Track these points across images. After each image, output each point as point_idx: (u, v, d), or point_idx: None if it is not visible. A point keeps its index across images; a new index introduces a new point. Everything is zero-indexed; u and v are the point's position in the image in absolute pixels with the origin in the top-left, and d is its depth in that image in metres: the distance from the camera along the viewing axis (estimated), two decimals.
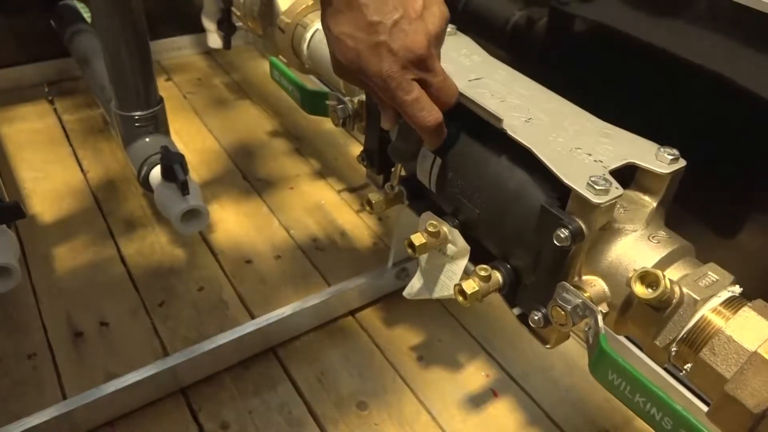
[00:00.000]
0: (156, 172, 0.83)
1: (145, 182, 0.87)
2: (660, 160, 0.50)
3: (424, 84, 0.50)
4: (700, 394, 0.75)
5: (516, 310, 0.57)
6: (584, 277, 0.50)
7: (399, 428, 0.77)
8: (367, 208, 0.69)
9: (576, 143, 0.51)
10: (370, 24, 0.47)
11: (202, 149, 1.23)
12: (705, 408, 0.45)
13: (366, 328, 0.89)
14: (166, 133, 0.91)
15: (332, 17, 0.49)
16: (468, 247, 0.59)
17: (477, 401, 0.81)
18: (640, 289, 0.44)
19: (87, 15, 1.24)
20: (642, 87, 0.73)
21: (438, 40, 0.50)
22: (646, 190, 0.51)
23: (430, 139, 0.53)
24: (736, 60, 0.63)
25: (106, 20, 0.80)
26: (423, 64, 0.49)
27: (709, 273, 0.46)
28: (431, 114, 0.51)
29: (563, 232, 0.46)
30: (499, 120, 0.53)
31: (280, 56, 0.97)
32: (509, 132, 0.52)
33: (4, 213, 0.70)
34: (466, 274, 0.57)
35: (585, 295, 0.48)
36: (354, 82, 0.53)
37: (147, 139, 0.88)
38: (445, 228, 0.59)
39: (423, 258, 0.64)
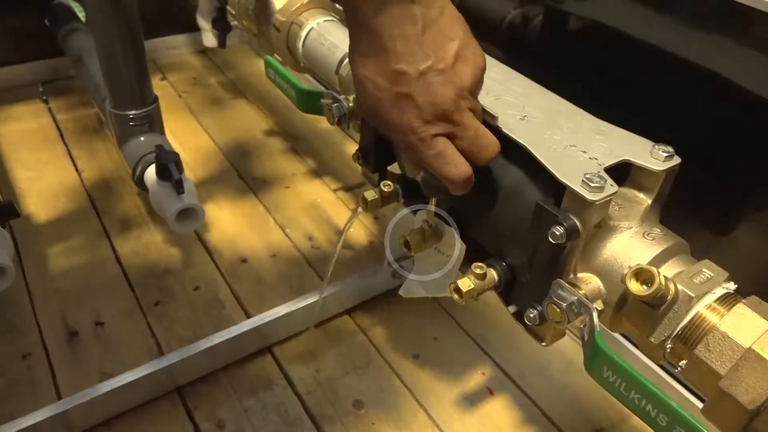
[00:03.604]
0: (151, 171, 0.83)
1: (140, 181, 0.86)
2: (655, 157, 0.50)
3: (452, 138, 0.47)
4: (696, 390, 0.75)
5: (512, 308, 0.57)
6: (579, 275, 0.50)
7: (395, 427, 0.77)
8: (362, 206, 0.68)
9: (571, 141, 0.51)
10: (395, 72, 0.44)
11: (197, 148, 1.22)
12: (700, 405, 0.45)
13: (362, 326, 0.89)
14: (161, 132, 0.91)
15: (359, 58, 0.46)
16: (463, 245, 0.59)
17: (473, 399, 0.81)
18: (635, 286, 0.44)
19: (81, 14, 1.23)
20: (637, 84, 0.74)
21: (471, 92, 0.46)
22: (640, 188, 0.51)
23: (455, 189, 0.49)
24: (731, 57, 0.64)
25: (100, 19, 0.80)
26: (449, 119, 0.46)
27: (704, 270, 0.47)
28: (458, 168, 0.47)
29: (558, 230, 0.46)
30: (494, 117, 0.53)
31: (275, 55, 0.97)
32: (504, 129, 0.52)
33: None
34: (462, 272, 0.57)
35: (580, 292, 0.48)
36: (376, 125, 0.50)
37: (142, 138, 0.88)
38: (441, 226, 0.59)
39: (418, 256, 0.64)
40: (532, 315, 0.52)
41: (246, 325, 0.82)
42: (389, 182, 0.66)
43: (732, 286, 0.46)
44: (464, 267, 0.59)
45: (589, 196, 0.45)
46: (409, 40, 0.43)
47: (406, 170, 0.53)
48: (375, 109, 0.46)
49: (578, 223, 0.46)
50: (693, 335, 0.44)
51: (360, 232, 1.05)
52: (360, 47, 0.46)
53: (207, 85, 1.44)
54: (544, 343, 0.55)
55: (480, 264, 0.55)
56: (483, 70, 0.47)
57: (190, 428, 0.76)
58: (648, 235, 0.49)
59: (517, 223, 0.52)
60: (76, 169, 1.15)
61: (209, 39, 1.26)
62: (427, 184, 0.52)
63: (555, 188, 0.48)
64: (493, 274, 0.55)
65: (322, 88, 1.07)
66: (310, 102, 0.85)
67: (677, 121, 0.69)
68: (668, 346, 0.46)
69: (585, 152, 0.50)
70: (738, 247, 0.69)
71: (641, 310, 0.47)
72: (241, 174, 1.17)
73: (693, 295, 0.44)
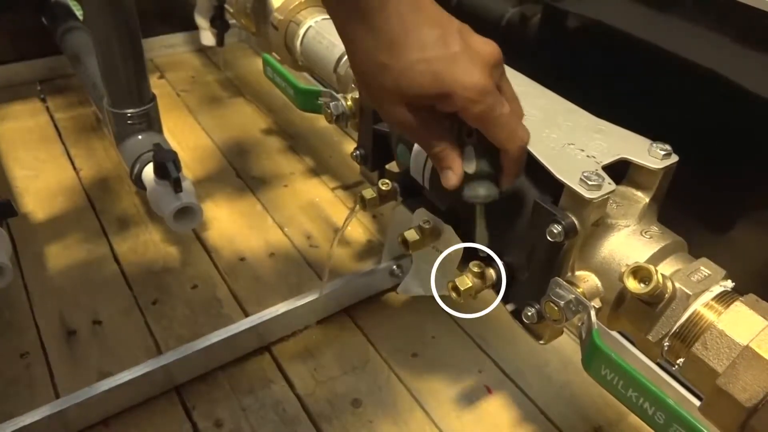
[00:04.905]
0: (149, 170, 0.83)
1: (137, 180, 0.86)
2: (652, 155, 0.50)
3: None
4: (693, 388, 0.75)
5: (509, 306, 0.57)
6: (577, 273, 0.50)
7: (393, 425, 0.77)
8: (360, 205, 0.68)
9: (569, 139, 0.51)
10: (441, 37, 0.41)
11: (195, 147, 1.22)
12: (698, 402, 0.45)
13: (360, 325, 0.89)
14: (159, 130, 0.91)
15: (391, 50, 0.42)
16: (462, 244, 0.59)
17: (471, 398, 0.81)
18: (632, 284, 0.44)
19: (79, 12, 1.23)
20: (635, 83, 0.74)
21: None
22: (638, 186, 0.51)
23: (516, 167, 0.45)
24: (729, 57, 0.64)
25: (98, 17, 0.80)
26: (500, 68, 0.43)
27: (702, 268, 0.47)
28: (526, 130, 0.44)
29: (556, 228, 0.46)
30: None
31: (274, 53, 0.97)
32: None
33: None
34: (460, 271, 0.57)
35: (578, 290, 0.48)
36: (414, 125, 0.44)
37: (140, 137, 0.88)
38: (439, 225, 0.59)
39: (417, 255, 0.64)
40: (530, 313, 0.52)
41: (244, 323, 0.82)
42: (387, 180, 0.66)
43: (729, 284, 0.46)
44: (462, 266, 0.59)
45: (587, 194, 0.45)
46: (429, 7, 0.42)
47: (445, 179, 0.46)
48: (434, 83, 0.41)
49: (576, 222, 0.47)
50: (690, 333, 0.44)
51: (358, 230, 1.05)
52: (388, 39, 0.41)
53: (205, 83, 1.43)
54: (542, 342, 0.55)
55: (478, 262, 0.55)
56: None
57: (188, 427, 0.75)
58: (645, 233, 0.49)
59: (515, 221, 0.52)
60: (74, 168, 1.14)
61: (207, 37, 1.26)
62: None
63: (553, 186, 0.48)
64: (491, 272, 0.55)
65: (320, 87, 1.07)
66: (308, 100, 0.86)
67: (676, 120, 0.69)
68: (666, 344, 0.46)
69: (583, 150, 0.50)
70: (735, 245, 0.69)
71: (639, 308, 0.47)
72: (240, 173, 1.17)
73: (690, 293, 0.44)
